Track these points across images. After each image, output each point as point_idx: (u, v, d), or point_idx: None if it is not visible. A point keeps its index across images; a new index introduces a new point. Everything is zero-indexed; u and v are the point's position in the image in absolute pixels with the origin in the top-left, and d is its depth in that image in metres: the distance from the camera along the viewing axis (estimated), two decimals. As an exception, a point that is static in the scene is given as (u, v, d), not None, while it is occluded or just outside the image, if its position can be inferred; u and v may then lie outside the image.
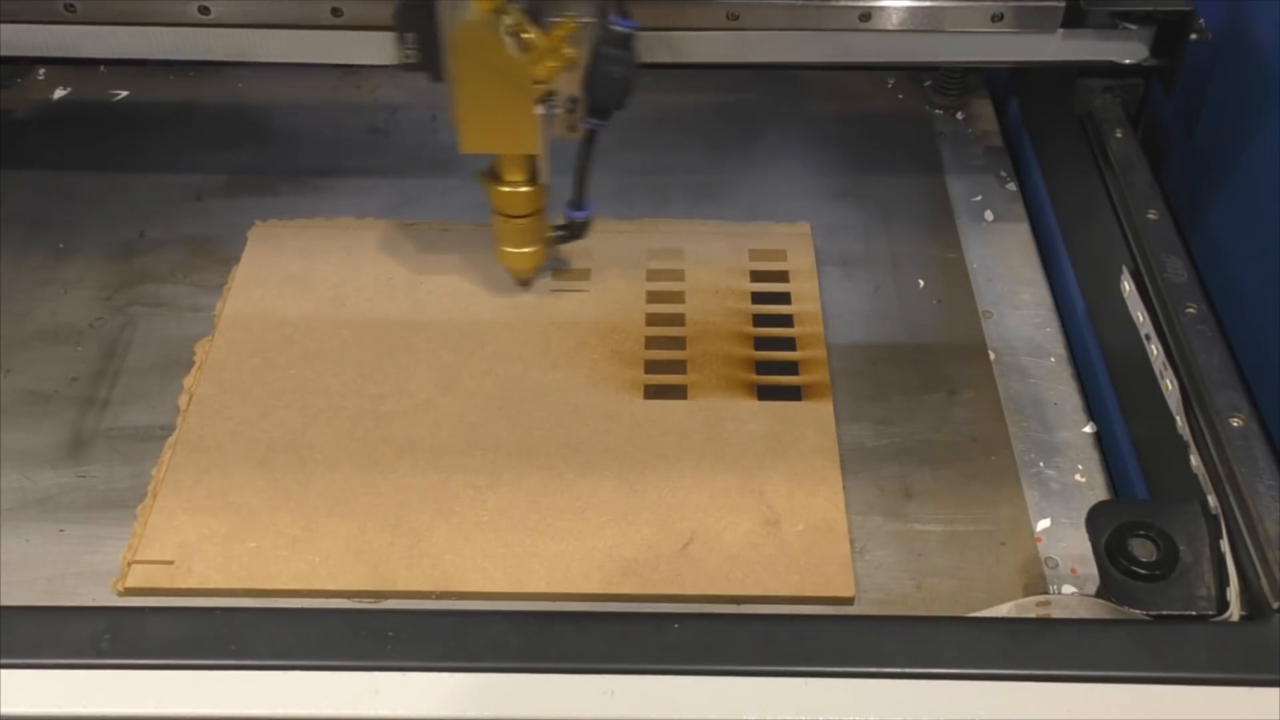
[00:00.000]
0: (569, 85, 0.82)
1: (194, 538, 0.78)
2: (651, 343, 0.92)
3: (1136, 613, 0.65)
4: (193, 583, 0.76)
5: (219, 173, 1.08)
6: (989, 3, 0.89)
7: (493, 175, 0.89)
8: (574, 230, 0.92)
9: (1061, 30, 0.90)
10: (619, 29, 0.79)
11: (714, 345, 0.92)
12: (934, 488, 0.83)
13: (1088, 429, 0.87)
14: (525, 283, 0.96)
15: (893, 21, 0.90)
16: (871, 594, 0.77)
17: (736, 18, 0.89)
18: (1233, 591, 0.65)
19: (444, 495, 0.81)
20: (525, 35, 0.79)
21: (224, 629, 0.60)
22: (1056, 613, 0.71)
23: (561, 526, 0.79)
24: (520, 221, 0.90)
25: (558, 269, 0.98)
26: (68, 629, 0.60)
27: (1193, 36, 0.88)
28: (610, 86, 0.81)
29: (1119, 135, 0.91)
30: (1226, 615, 0.65)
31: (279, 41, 0.90)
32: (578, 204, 0.90)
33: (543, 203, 0.90)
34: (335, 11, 0.88)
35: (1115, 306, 0.84)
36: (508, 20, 0.78)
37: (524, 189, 0.88)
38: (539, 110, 0.81)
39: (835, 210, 1.05)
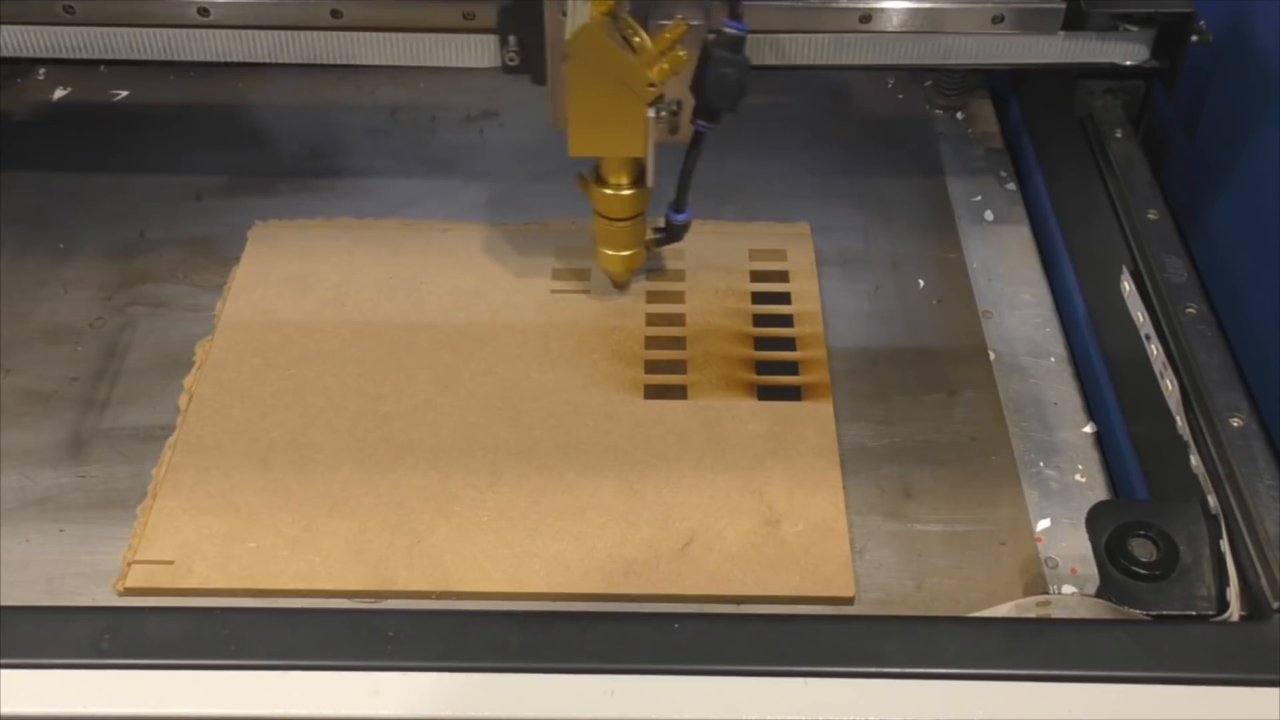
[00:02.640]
0: (674, 88, 0.82)
1: (194, 538, 0.78)
2: (651, 343, 0.92)
3: (1136, 613, 0.65)
4: (193, 583, 0.76)
5: (219, 173, 1.08)
6: (989, 4, 0.89)
7: (596, 178, 0.88)
8: (673, 232, 0.92)
9: (1062, 32, 0.90)
10: (731, 31, 0.79)
11: (714, 345, 0.92)
12: (934, 488, 0.83)
13: (1088, 429, 0.87)
14: (622, 285, 0.96)
15: (893, 23, 0.90)
16: (871, 594, 0.77)
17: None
18: (1233, 591, 0.65)
19: (444, 495, 0.81)
20: (635, 38, 0.79)
21: (224, 629, 0.60)
22: (1056, 613, 0.71)
23: (561, 526, 0.79)
24: (621, 224, 0.90)
25: (556, 270, 0.98)
26: (68, 629, 0.60)
27: (1193, 38, 0.88)
28: (724, 89, 0.80)
29: (1119, 135, 0.91)
30: (1226, 615, 0.65)
31: (278, 43, 0.90)
32: (679, 206, 0.90)
33: (645, 206, 0.90)
34: (335, 13, 0.88)
35: (1115, 307, 0.84)
36: (619, 23, 0.78)
37: (627, 192, 0.88)
38: (649, 113, 0.81)
39: (835, 210, 1.05)
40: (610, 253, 0.92)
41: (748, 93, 0.81)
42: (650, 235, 0.93)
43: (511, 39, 0.86)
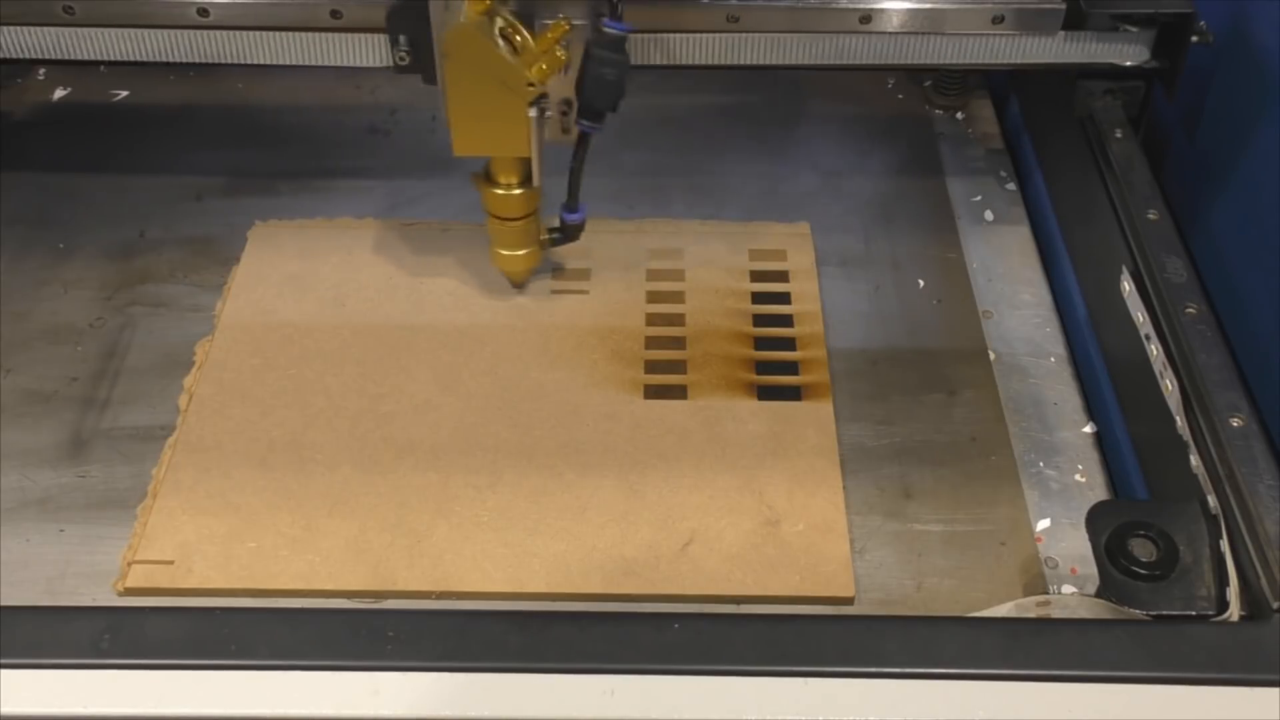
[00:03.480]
0: (561, 88, 0.82)
1: (194, 538, 0.78)
2: (651, 343, 0.92)
3: (1136, 613, 0.65)
4: (193, 583, 0.76)
5: (219, 173, 1.08)
6: (989, 5, 0.89)
7: (486, 177, 0.89)
8: (568, 232, 0.92)
9: (1062, 32, 0.90)
10: (611, 31, 0.79)
11: (714, 345, 0.92)
12: (934, 488, 0.83)
13: (1088, 429, 0.87)
14: (520, 285, 0.96)
15: (893, 24, 0.90)
16: (871, 594, 0.77)
17: (736, 20, 0.89)
18: (1233, 591, 0.65)
19: (444, 495, 0.81)
20: (517, 38, 0.79)
21: (224, 629, 0.60)
22: (1056, 613, 0.71)
23: (561, 526, 0.79)
24: (514, 224, 0.90)
25: (556, 270, 0.98)
26: (68, 629, 0.60)
27: (1193, 39, 0.88)
28: (603, 89, 0.81)
29: (1119, 135, 0.91)
30: (1226, 615, 0.65)
31: (278, 44, 0.90)
32: (571, 206, 0.90)
33: (536, 205, 0.90)
34: (334, 14, 0.88)
35: (1115, 307, 0.84)
36: (499, 22, 0.78)
37: (516, 191, 0.88)
38: (531, 113, 0.81)
39: (835, 210, 1.05)
40: (505, 252, 0.92)
41: (625, 94, 0.81)
42: (545, 235, 0.93)
43: (401, 39, 0.86)
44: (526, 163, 0.87)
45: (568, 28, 0.80)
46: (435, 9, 0.80)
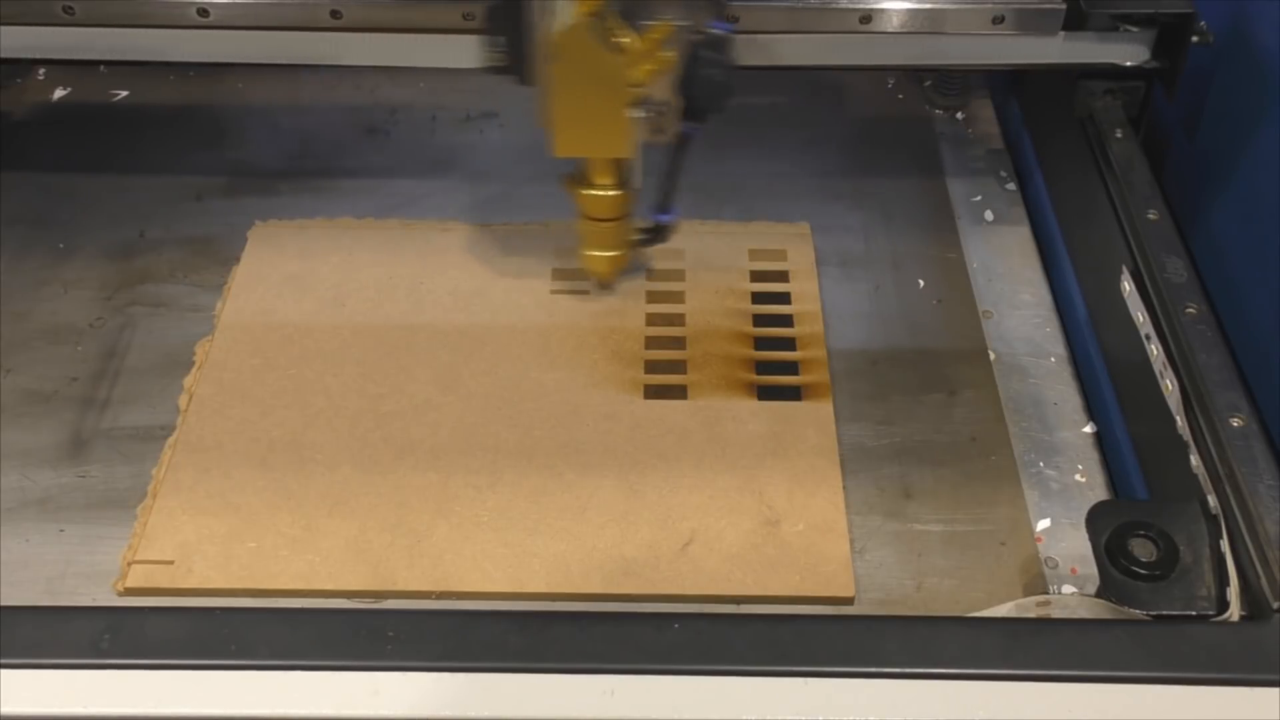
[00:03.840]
0: (660, 89, 0.82)
1: (194, 538, 0.78)
2: (651, 343, 0.92)
3: (1136, 613, 0.65)
4: (193, 583, 0.76)
5: (219, 173, 1.08)
6: (990, 5, 0.89)
7: (581, 179, 0.88)
8: (658, 233, 0.92)
9: (1063, 32, 0.90)
10: (717, 32, 0.79)
11: (714, 345, 0.92)
12: (934, 488, 0.83)
13: (1088, 429, 0.87)
14: (608, 286, 0.96)
15: (893, 24, 0.90)
16: (871, 594, 0.77)
17: (736, 20, 0.89)
18: (1233, 591, 0.65)
19: (444, 495, 0.81)
20: (621, 39, 0.79)
21: (224, 629, 0.60)
22: (1056, 613, 0.71)
23: (561, 526, 0.79)
24: (606, 225, 0.90)
25: (556, 270, 0.98)
26: (68, 629, 0.60)
27: (1194, 39, 0.88)
28: (710, 89, 0.80)
29: (1119, 135, 0.91)
30: (1226, 615, 0.65)
31: (278, 44, 0.90)
32: (664, 207, 0.90)
33: (630, 207, 0.90)
34: (334, 14, 0.88)
35: (1115, 307, 0.84)
36: (605, 24, 0.78)
37: (612, 193, 0.88)
38: (634, 114, 0.81)
39: (835, 210, 1.05)
40: (596, 254, 0.92)
41: (734, 93, 0.81)
42: (636, 236, 0.93)
43: (500, 39, 0.86)
44: (622, 164, 0.87)
45: (671, 28, 0.80)
46: (536, 9, 0.79)
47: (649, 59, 0.79)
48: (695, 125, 0.83)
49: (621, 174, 0.87)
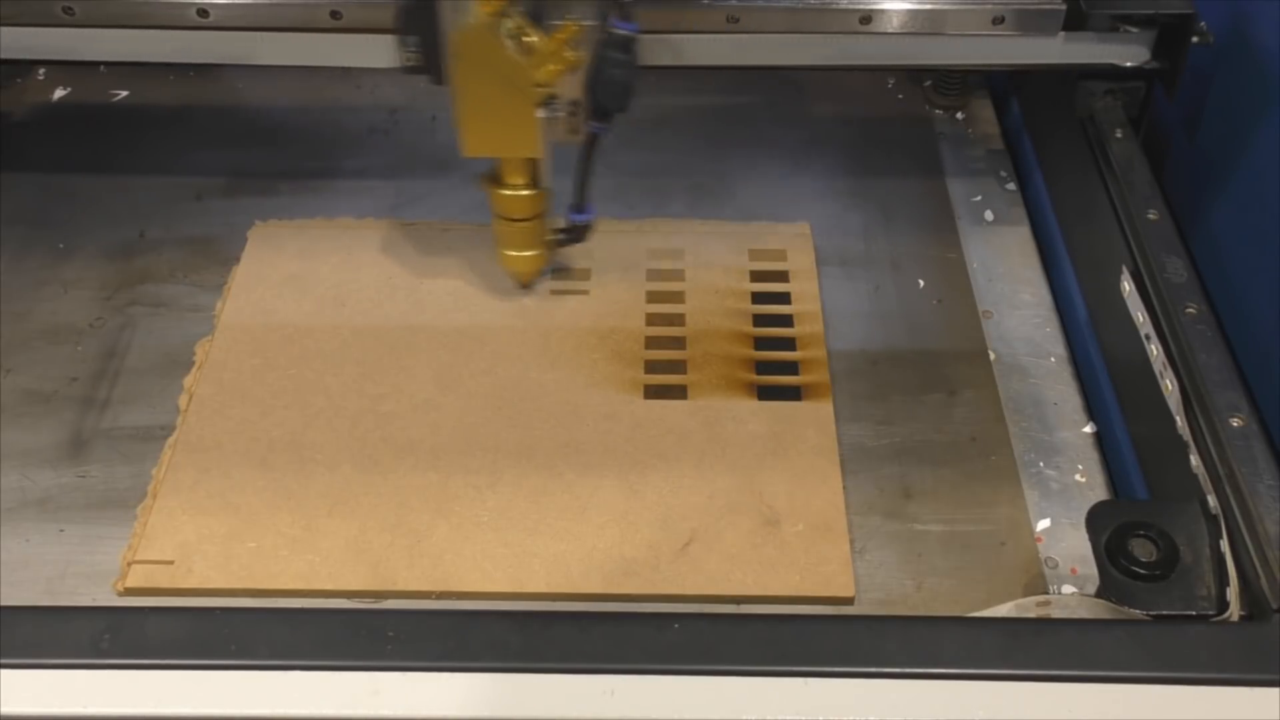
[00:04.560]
0: (570, 88, 0.82)
1: (194, 538, 0.78)
2: (651, 343, 0.92)
3: (1136, 613, 0.65)
4: (193, 583, 0.76)
5: (219, 173, 1.08)
6: (990, 6, 0.89)
7: (494, 178, 0.89)
8: (575, 233, 0.92)
9: (1063, 33, 0.90)
10: (620, 32, 0.79)
11: (714, 345, 0.92)
12: (934, 488, 0.83)
13: (1088, 429, 0.87)
14: (527, 286, 0.96)
15: (893, 24, 0.90)
16: (871, 594, 0.77)
17: (736, 20, 0.89)
18: (1233, 591, 0.65)
19: (444, 495, 0.81)
20: (526, 38, 0.79)
21: (224, 629, 0.60)
22: (1056, 613, 0.71)
23: (561, 526, 0.79)
24: (522, 225, 0.90)
25: (558, 271, 0.98)
26: (68, 629, 0.60)
27: (1194, 39, 0.88)
28: (612, 89, 0.81)
29: (1119, 135, 0.91)
30: (1226, 615, 0.65)
31: (278, 44, 0.90)
32: (579, 207, 0.90)
33: (544, 206, 0.90)
34: (334, 14, 0.88)
35: (1115, 307, 0.84)
36: (509, 23, 0.78)
37: (525, 192, 0.88)
38: (541, 113, 0.81)
39: (835, 210, 1.05)
40: (512, 254, 0.92)
41: (636, 94, 0.81)
42: (552, 236, 0.93)
43: (411, 39, 0.86)
44: (535, 163, 0.87)
45: (577, 29, 0.80)
46: (445, 9, 0.80)
47: (555, 59, 0.79)
48: (603, 125, 0.83)
49: (534, 173, 0.87)
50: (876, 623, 0.67)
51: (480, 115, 0.81)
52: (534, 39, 0.79)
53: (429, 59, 0.84)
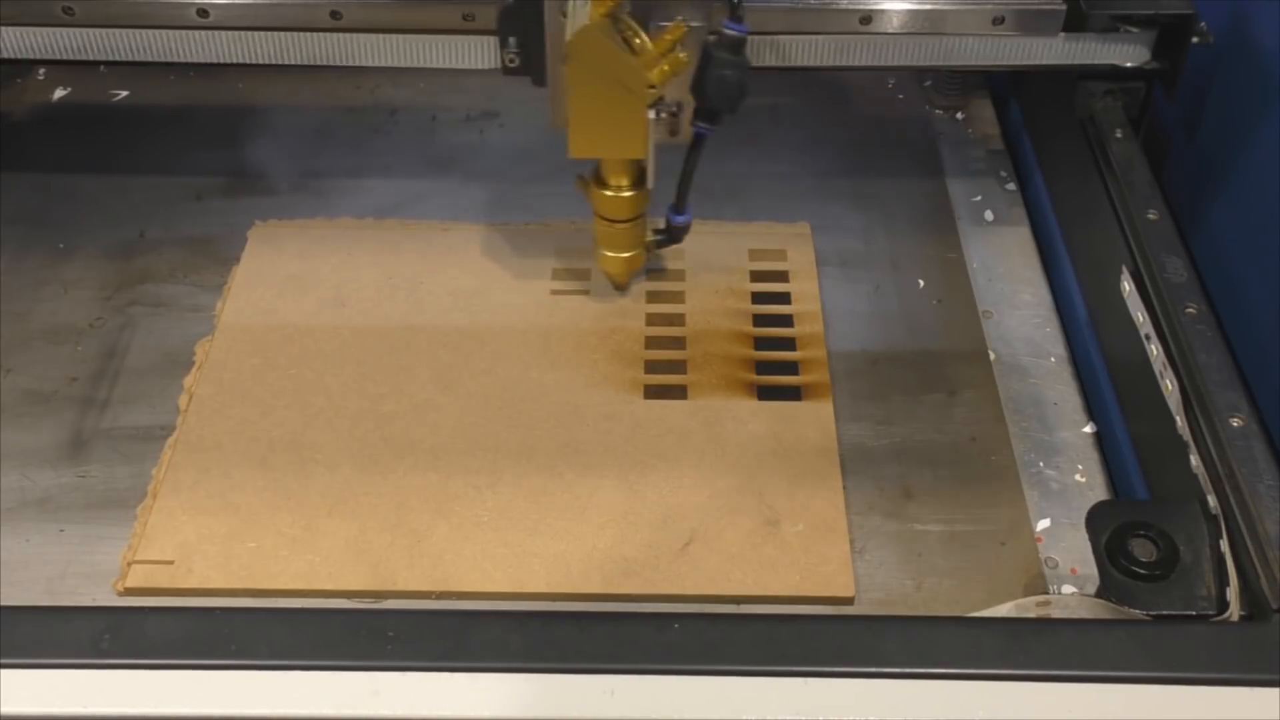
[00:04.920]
0: (675, 90, 0.82)
1: (194, 538, 0.78)
2: (651, 343, 0.92)
3: (1136, 613, 0.65)
4: (193, 583, 0.76)
5: (219, 173, 1.08)
6: (990, 6, 0.89)
7: (596, 180, 0.88)
8: (674, 234, 0.92)
9: (1063, 33, 0.90)
10: (731, 32, 0.79)
11: (714, 345, 0.92)
12: (934, 488, 0.83)
13: (1088, 429, 0.87)
14: (622, 288, 0.96)
15: (893, 25, 0.90)
16: (871, 594, 0.77)
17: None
18: (1233, 591, 0.65)
19: (444, 495, 0.81)
20: (635, 40, 0.79)
21: (224, 629, 0.60)
22: (1056, 613, 0.71)
23: (561, 526, 0.79)
24: (621, 226, 0.90)
25: (557, 270, 0.98)
26: (68, 629, 0.60)
27: (1194, 40, 0.88)
28: (725, 90, 0.80)
29: (1119, 135, 0.91)
30: (1226, 615, 0.65)
31: (278, 44, 0.90)
32: (680, 208, 0.90)
33: (645, 207, 0.90)
34: (334, 14, 0.88)
35: (1115, 307, 0.84)
36: (619, 25, 0.78)
37: (628, 194, 0.88)
38: (649, 115, 0.81)
39: (835, 210, 1.05)
40: (611, 254, 0.92)
41: (748, 94, 0.81)
42: (650, 237, 0.93)
43: (511, 40, 0.86)
44: (637, 165, 0.86)
45: (686, 29, 0.80)
46: (551, 11, 0.79)
47: (663, 60, 0.79)
48: (709, 126, 0.83)
49: (636, 175, 0.87)
50: (876, 623, 0.67)
51: (589, 116, 0.80)
52: (642, 40, 0.79)
53: (529, 60, 0.84)
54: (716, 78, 0.80)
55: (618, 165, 0.87)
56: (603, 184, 0.88)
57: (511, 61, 0.87)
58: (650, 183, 0.86)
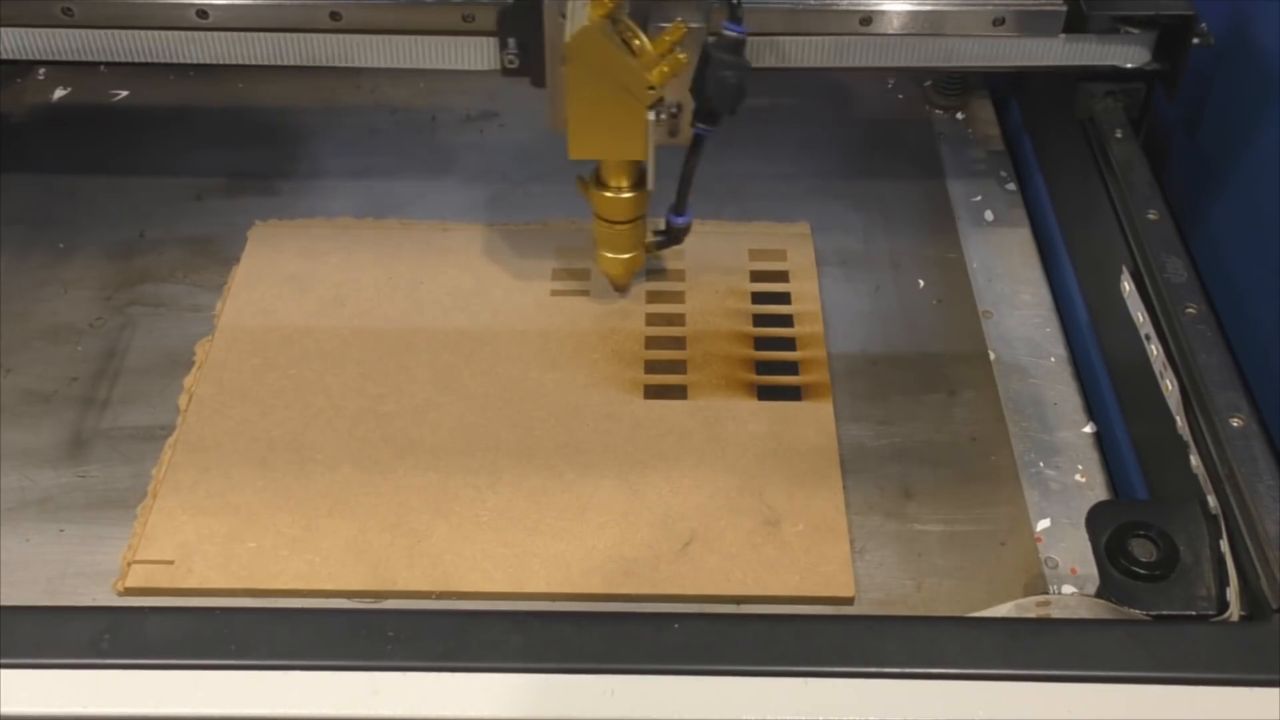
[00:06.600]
0: (674, 91, 0.82)
1: (194, 538, 0.78)
2: (651, 343, 0.92)
3: (1136, 613, 0.65)
4: (193, 583, 0.76)
5: (219, 173, 1.08)
6: (990, 7, 0.89)
7: (596, 180, 0.88)
8: (673, 235, 0.92)
9: (1063, 34, 0.90)
10: (731, 34, 0.79)
11: (714, 345, 0.92)
12: (934, 488, 0.83)
13: (1088, 429, 0.87)
14: (622, 289, 0.96)
15: (893, 26, 0.90)
16: (871, 594, 0.77)
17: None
18: (1233, 591, 0.65)
19: (444, 495, 0.81)
20: (635, 41, 0.79)
21: (224, 629, 0.60)
22: (1056, 613, 0.71)
23: (561, 526, 0.79)
24: (621, 227, 0.90)
25: (557, 270, 0.98)
26: (68, 629, 0.60)
27: (1194, 40, 0.88)
28: (724, 91, 0.80)
29: (1119, 135, 0.91)
30: (1226, 615, 0.65)
31: (278, 45, 0.90)
32: (680, 209, 0.90)
33: (645, 209, 0.90)
34: (334, 15, 0.88)
35: (1115, 307, 0.84)
36: (619, 26, 0.78)
37: (627, 195, 0.88)
38: (649, 116, 0.81)
39: (835, 210, 1.05)
40: (610, 255, 0.92)
41: (747, 95, 0.81)
42: (650, 238, 0.93)
43: (511, 41, 0.86)
44: (637, 166, 0.86)
45: (685, 30, 0.80)
46: (550, 12, 0.79)
47: (663, 61, 0.79)
48: (709, 127, 0.83)
49: (636, 176, 0.87)
50: (876, 623, 0.67)
51: (589, 117, 0.80)
52: (641, 41, 0.79)
53: (529, 61, 0.84)
54: (716, 79, 0.80)
55: (617, 166, 0.87)
56: (603, 185, 0.88)
57: (511, 63, 0.87)
58: (650, 184, 0.86)
